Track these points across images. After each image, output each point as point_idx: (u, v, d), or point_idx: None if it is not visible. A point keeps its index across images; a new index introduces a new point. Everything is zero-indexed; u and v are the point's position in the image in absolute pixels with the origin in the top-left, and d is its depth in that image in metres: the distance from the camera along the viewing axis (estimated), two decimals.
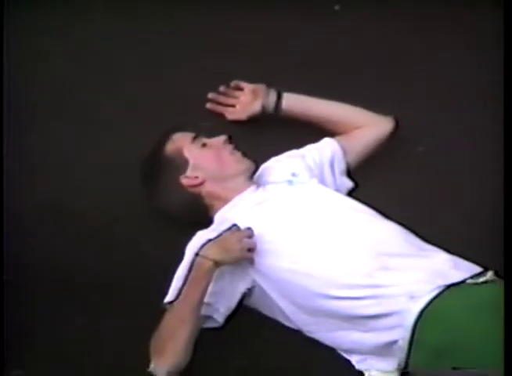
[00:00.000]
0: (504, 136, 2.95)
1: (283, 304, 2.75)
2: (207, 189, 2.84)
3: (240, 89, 3.10)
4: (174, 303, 2.60)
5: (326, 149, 3.00)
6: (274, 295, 2.74)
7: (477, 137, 3.29)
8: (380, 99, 3.22)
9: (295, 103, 3.12)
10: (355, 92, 3.25)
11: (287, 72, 3.33)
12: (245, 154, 2.90)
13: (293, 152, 3.02)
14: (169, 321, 2.62)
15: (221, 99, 3.12)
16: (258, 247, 2.68)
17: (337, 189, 2.94)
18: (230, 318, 2.73)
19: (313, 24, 3.58)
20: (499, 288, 2.61)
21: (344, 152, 3.02)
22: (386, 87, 3.33)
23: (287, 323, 2.78)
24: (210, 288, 2.62)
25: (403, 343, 2.55)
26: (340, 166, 3.01)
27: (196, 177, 2.83)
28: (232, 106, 3.06)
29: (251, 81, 3.16)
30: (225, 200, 2.85)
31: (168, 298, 2.63)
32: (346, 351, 2.71)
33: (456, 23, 3.57)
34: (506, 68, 3.15)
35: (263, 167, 3.00)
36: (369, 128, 3.10)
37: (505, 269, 2.66)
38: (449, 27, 3.59)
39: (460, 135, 3.28)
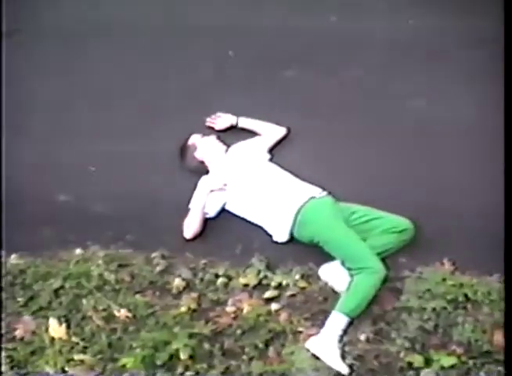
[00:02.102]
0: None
1: (235, 208, 3.98)
2: (206, 158, 4.09)
3: (219, 117, 4.29)
4: (193, 208, 3.95)
5: (258, 140, 4.18)
6: (233, 203, 3.97)
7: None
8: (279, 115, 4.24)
9: (244, 122, 4.26)
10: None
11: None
12: (224, 142, 4.17)
13: (244, 141, 4.17)
14: (190, 215, 3.93)
15: (212, 120, 4.31)
16: (228, 185, 3.95)
17: (262, 158, 4.11)
18: (219, 215, 4.01)
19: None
20: (330, 198, 3.88)
21: (266, 142, 4.18)
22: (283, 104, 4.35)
23: (239, 214, 3.99)
24: (207, 201, 3.97)
25: (290, 222, 3.78)
26: (264, 148, 4.16)
27: (201, 153, 4.09)
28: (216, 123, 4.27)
29: (227, 112, 4.31)
30: (214, 163, 4.07)
31: (190, 205, 3.96)
32: (264, 225, 3.91)
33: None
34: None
35: (230, 149, 4.15)
36: (275, 132, 4.25)
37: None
38: None
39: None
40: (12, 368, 3.53)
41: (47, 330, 3.65)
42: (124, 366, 3.54)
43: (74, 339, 3.64)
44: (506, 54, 3.92)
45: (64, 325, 3.68)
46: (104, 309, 3.73)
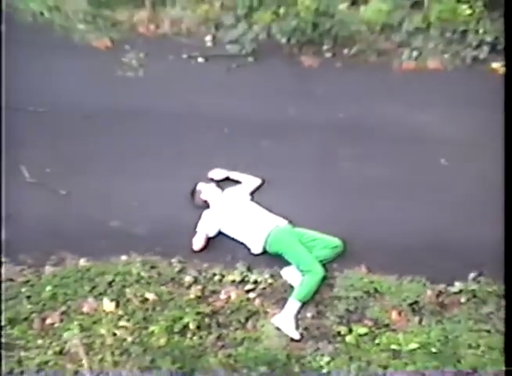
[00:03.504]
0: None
1: (227, 231, 4.24)
2: (208, 198, 4.37)
3: (217, 171, 4.49)
4: (199, 230, 4.22)
5: (242, 187, 4.43)
6: (226, 228, 4.25)
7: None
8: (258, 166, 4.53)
9: (233, 175, 4.48)
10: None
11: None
12: (220, 188, 4.42)
13: (233, 187, 4.43)
14: (197, 235, 4.19)
15: (212, 173, 4.50)
16: (221, 214, 4.24)
17: (245, 198, 4.37)
18: (218, 236, 4.25)
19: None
20: (289, 225, 4.16)
21: (248, 188, 4.43)
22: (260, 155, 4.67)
23: (229, 235, 4.23)
24: (207, 226, 4.26)
25: (263, 240, 4.12)
26: (247, 192, 4.42)
27: (205, 195, 4.38)
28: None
29: (222, 168, 4.52)
30: (213, 202, 4.33)
31: (197, 229, 4.24)
32: (246, 242, 4.18)
33: None
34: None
35: (224, 192, 4.41)
36: (254, 181, 4.48)
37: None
38: None
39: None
40: (81, 331, 3.84)
41: (103, 307, 3.99)
42: (152, 332, 3.84)
43: (120, 313, 3.97)
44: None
45: (114, 304, 4.00)
46: (141, 295, 4.03)
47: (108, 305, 4.02)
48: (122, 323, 3.95)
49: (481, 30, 5.18)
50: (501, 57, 5.16)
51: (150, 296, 4.06)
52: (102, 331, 3.88)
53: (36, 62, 5.17)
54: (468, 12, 5.12)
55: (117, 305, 4.02)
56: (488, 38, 5.20)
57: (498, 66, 5.21)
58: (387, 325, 3.95)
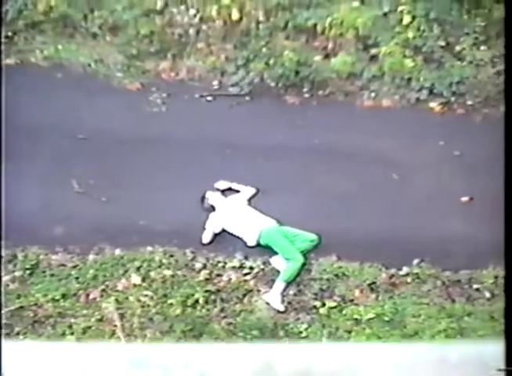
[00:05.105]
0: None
1: (229, 228, 4.25)
2: (214, 204, 4.35)
3: (221, 183, 4.48)
4: (207, 228, 4.24)
5: (241, 194, 4.42)
6: (228, 226, 4.26)
7: None
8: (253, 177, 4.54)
9: (234, 186, 4.45)
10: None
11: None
12: (224, 195, 4.44)
13: (234, 195, 4.42)
14: (206, 231, 4.22)
15: (218, 184, 4.47)
16: (224, 215, 4.26)
17: (243, 203, 4.36)
18: (222, 232, 4.27)
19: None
20: (277, 224, 4.15)
21: (245, 195, 4.41)
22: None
23: (231, 232, 4.24)
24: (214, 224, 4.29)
25: (256, 235, 4.14)
26: (245, 198, 4.40)
27: (212, 201, 4.39)
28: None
29: (225, 180, 4.54)
30: (218, 206, 4.32)
31: (206, 226, 4.24)
32: (243, 237, 4.19)
33: None
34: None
35: (227, 198, 4.39)
36: (250, 191, 4.45)
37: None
38: None
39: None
40: (116, 304, 3.90)
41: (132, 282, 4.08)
42: (171, 304, 3.90)
43: (145, 285, 4.03)
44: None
45: (140, 278, 4.08)
46: (162, 276, 4.08)
47: (136, 279, 4.10)
48: (146, 292, 4.02)
49: (421, 78, 5.32)
50: (437, 98, 5.28)
51: (168, 274, 4.10)
52: (131, 300, 3.95)
53: (83, 101, 5.24)
54: (411, 64, 5.29)
55: (144, 280, 4.08)
56: (427, 84, 5.30)
57: (434, 105, 5.31)
58: (351, 300, 4.03)
